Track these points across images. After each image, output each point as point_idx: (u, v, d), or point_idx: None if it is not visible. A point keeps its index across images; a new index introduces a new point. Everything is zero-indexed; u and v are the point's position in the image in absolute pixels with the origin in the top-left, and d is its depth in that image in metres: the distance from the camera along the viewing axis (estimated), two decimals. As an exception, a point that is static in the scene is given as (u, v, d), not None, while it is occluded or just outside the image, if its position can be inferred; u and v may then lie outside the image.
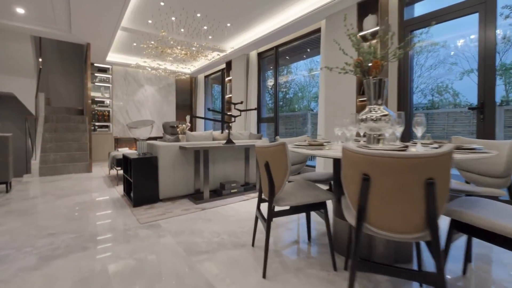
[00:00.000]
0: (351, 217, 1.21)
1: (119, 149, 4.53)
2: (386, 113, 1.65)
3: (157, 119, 7.71)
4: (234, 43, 5.43)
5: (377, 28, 3.31)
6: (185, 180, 3.16)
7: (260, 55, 5.77)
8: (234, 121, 3.59)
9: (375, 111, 1.71)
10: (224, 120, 3.36)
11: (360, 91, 3.55)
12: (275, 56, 5.40)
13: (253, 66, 5.73)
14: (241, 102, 3.54)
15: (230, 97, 6.47)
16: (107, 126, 6.99)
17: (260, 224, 1.96)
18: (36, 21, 4.42)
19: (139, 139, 3.11)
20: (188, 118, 7.85)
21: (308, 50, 5.53)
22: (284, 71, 5.90)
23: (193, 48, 4.51)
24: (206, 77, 8.09)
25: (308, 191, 1.65)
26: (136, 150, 7.20)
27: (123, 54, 6.37)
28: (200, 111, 8.05)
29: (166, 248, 1.87)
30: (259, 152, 1.66)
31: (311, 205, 1.59)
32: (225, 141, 3.54)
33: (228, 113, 3.27)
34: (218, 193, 3.27)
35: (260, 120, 5.82)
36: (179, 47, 4.41)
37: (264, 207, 1.72)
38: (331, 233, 1.61)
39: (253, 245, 1.92)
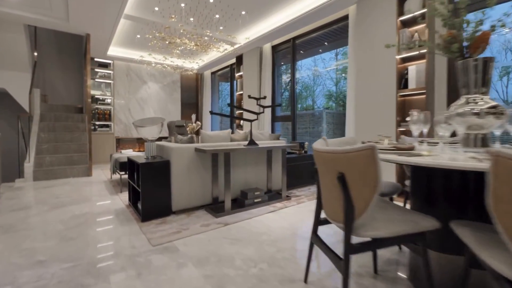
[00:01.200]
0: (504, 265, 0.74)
1: (123, 151, 4.06)
2: (495, 104, 1.18)
3: (163, 117, 7.23)
4: (248, 35, 4.96)
5: (424, 10, 2.84)
6: (201, 188, 2.69)
7: (274, 48, 5.30)
8: (257, 118, 3.11)
9: (477, 103, 1.24)
10: (244, 118, 2.89)
11: (401, 84, 3.08)
12: (292, 49, 4.93)
13: (267, 60, 5.26)
14: (264, 97, 3.06)
15: (241, 94, 6.00)
16: (108, 126, 6.52)
17: (315, 253, 1.48)
18: (29, 7, 3.95)
19: (147, 140, 2.64)
20: (194, 117, 7.38)
21: (326, 43, 5.08)
22: (300, 65, 5.44)
23: (206, 38, 4.03)
24: (213, 73, 7.63)
25: (397, 214, 1.18)
26: (141, 152, 6.73)
27: (125, 48, 5.90)
28: (207, 109, 7.58)
29: (191, 287, 1.40)
30: (327, 158, 1.19)
31: (406, 237, 1.11)
32: (247, 143, 3.07)
33: (250, 110, 2.80)
34: (239, 203, 2.80)
35: (274, 118, 5.35)
36: (188, 36, 3.93)
37: (325, 231, 1.24)
38: (431, 273, 1.14)
39: (305, 281, 1.45)
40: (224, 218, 2.46)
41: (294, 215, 2.57)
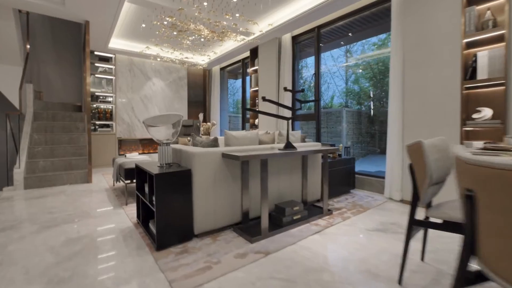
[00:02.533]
0: None
1: (127, 155, 3.52)
2: None
3: (167, 117, 6.69)
4: (269, 21, 4.40)
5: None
6: (229, 203, 2.14)
7: (295, 39, 4.75)
8: (293, 116, 2.55)
9: None
10: (282, 116, 2.35)
11: (466, 74, 2.53)
12: (316, 39, 4.38)
13: (287, 52, 4.71)
14: (303, 90, 2.51)
15: (256, 91, 5.46)
16: (109, 126, 5.97)
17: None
18: (19, -11, 3.41)
19: (161, 143, 2.10)
20: (201, 116, 6.84)
21: (350, 34, 4.53)
22: (324, 58, 4.89)
23: (225, 23, 3.48)
24: (222, 69, 7.08)
25: None
26: (145, 154, 6.20)
27: (128, 40, 5.35)
28: (216, 107, 7.03)
29: None
30: (480, 174, 0.64)
31: None
32: (278, 145, 2.52)
33: (287, 106, 2.26)
34: (274, 220, 2.25)
35: (295, 117, 4.81)
36: (204, 21, 3.38)
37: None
38: None
39: None
40: (262, 244, 1.91)
41: (348, 237, 2.02)
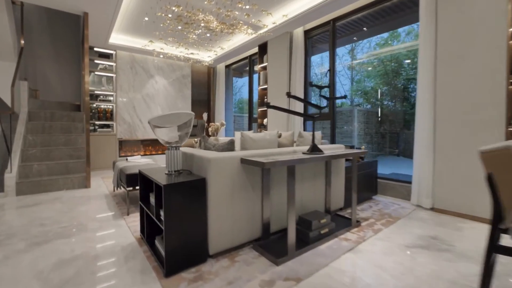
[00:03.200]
0: None
1: (129, 158, 3.22)
2: None
3: (170, 117, 6.39)
4: (280, 14, 4.11)
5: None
6: (249, 217, 1.84)
7: (307, 33, 4.45)
8: (319, 115, 2.25)
9: None
10: (307, 115, 2.06)
11: (514, 67, 2.23)
12: (331, 33, 4.08)
13: (299, 47, 4.41)
14: (328, 86, 2.20)
15: (265, 89, 5.16)
16: (109, 126, 5.68)
17: None
18: (10, -24, 3.12)
19: (170, 146, 1.80)
20: (205, 115, 6.55)
21: (365, 28, 4.24)
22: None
23: (237, 13, 3.18)
24: (227, 67, 6.78)
25: None
26: (147, 156, 5.92)
27: (130, 35, 5.06)
28: (220, 107, 6.74)
29: None
30: None
31: None
32: (298, 148, 2.23)
33: (314, 104, 1.97)
34: (300, 235, 1.95)
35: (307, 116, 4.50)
36: (214, 10, 3.08)
37: None
38: None
39: None
40: (290, 266, 1.61)
41: (387, 256, 1.72)
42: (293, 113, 1.99)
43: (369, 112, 6.14)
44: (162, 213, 1.55)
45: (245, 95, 10.08)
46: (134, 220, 2.42)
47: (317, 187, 2.36)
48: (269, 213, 1.93)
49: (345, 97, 2.26)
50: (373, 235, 2.09)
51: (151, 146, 6.20)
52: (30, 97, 4.43)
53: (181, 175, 1.76)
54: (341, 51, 6.16)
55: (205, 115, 7.05)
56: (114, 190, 3.56)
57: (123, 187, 2.73)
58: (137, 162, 3.12)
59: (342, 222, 2.26)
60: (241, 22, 3.41)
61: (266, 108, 5.06)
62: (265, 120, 5.15)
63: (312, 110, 4.70)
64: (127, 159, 3.20)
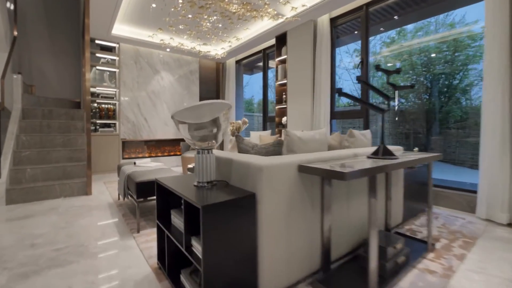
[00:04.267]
0: None
1: (138, 162, 2.75)
2: None
3: (177, 116, 5.92)
4: (298, 3, 3.64)
5: None
6: (308, 243, 1.37)
7: (333, 21, 3.99)
8: (389, 108, 1.76)
9: None
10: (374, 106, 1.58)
11: None
12: (364, 19, 3.61)
13: (324, 37, 3.94)
14: (399, 71, 1.73)
15: (284, 84, 4.69)
16: (111, 125, 5.21)
17: None
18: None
19: (200, 150, 1.33)
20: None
21: (396, 17, 3.79)
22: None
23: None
24: (237, 62, 6.32)
25: None
26: (151, 158, 5.43)
27: (135, 26, 4.60)
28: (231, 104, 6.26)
29: None
30: None
31: None
32: (371, 152, 1.75)
33: (385, 94, 1.49)
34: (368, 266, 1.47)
35: (333, 114, 4.04)
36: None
37: None
38: None
39: None
40: (377, 320, 1.14)
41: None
42: (365, 105, 1.52)
43: (394, 110, 5.66)
44: (196, 243, 1.08)
45: (249, 94, 9.60)
46: (147, 240, 1.95)
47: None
48: (331, 237, 1.46)
49: (412, 86, 1.78)
50: (460, 263, 1.61)
51: (156, 147, 5.73)
52: (24, 92, 3.96)
53: (216, 187, 1.29)
54: (352, 47, 5.70)
55: (214, 114, 6.59)
56: (118, 198, 3.08)
57: (132, 197, 2.26)
58: (147, 166, 2.65)
59: (412, 245, 1.78)
60: (267, 3, 2.93)
61: (285, 106, 4.60)
62: (283, 119, 4.68)
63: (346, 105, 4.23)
64: (135, 163, 2.72)
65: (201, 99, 6.37)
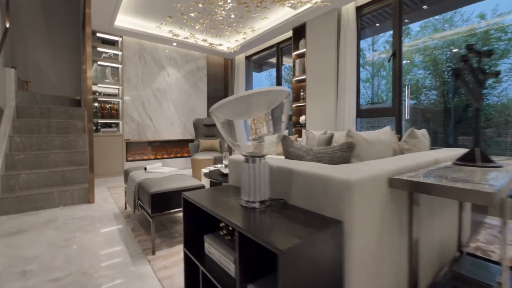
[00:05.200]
0: None
1: (149, 167, 2.37)
2: None
3: (184, 115, 5.57)
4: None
5: None
6: (394, 277, 1.01)
7: (359, 10, 3.63)
8: (481, 102, 1.38)
9: None
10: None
11: None
12: (397, 7, 3.25)
13: (349, 28, 3.58)
14: (490, 53, 1.36)
15: (303, 80, 4.32)
16: (113, 125, 4.84)
17: None
18: None
19: (251, 156, 0.96)
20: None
21: (424, 7, 3.45)
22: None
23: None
24: (247, 58, 5.95)
25: None
26: (157, 160, 5.06)
27: (140, 17, 4.23)
28: (241, 104, 5.89)
29: None
30: None
31: None
32: (443, 157, 1.39)
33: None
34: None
35: (359, 113, 3.68)
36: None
37: None
38: None
39: None
40: None
41: None
42: (471, 94, 1.15)
43: (420, 108, 5.30)
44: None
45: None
46: (165, 266, 1.58)
47: (448, 216, 1.52)
48: (418, 263, 1.09)
49: (497, 74, 1.42)
50: None
51: (163, 148, 5.36)
52: (18, 88, 3.59)
53: (272, 209, 0.93)
54: (368, 41, 5.34)
55: (222, 113, 6.22)
56: (126, 208, 2.71)
57: (145, 211, 1.89)
58: (160, 172, 2.28)
59: (487, 269, 1.42)
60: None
61: (303, 104, 4.23)
62: (301, 118, 4.32)
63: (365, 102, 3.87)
64: (145, 169, 2.35)
65: (208, 97, 6.00)
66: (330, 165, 1.00)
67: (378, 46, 5.01)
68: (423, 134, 1.78)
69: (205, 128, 5.24)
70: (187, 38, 4.57)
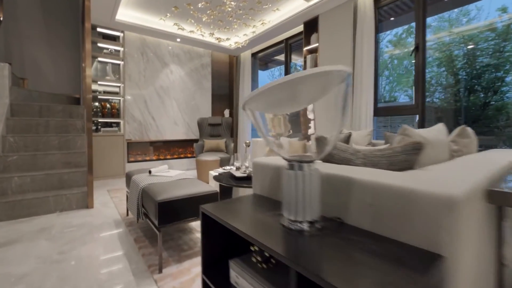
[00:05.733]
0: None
1: (153, 170, 2.13)
2: None
3: (188, 114, 5.34)
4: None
5: None
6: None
7: (377, 1, 3.39)
8: None
9: None
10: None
11: None
12: (420, -4, 3.02)
13: (367, 20, 3.35)
14: None
15: (314, 77, 4.08)
16: (113, 125, 4.61)
17: None
18: None
19: (295, 160, 0.72)
20: (227, 112, 5.50)
21: None
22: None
23: None
24: (253, 55, 5.72)
25: None
26: (156, 161, 4.82)
27: (142, 10, 4.01)
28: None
29: None
30: None
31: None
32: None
33: None
34: None
35: (376, 111, 3.44)
36: None
37: None
38: None
39: None
40: None
41: None
42: None
43: (433, 106, 5.07)
44: None
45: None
46: (175, 285, 1.35)
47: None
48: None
49: None
50: None
51: (165, 149, 5.13)
52: (13, 85, 3.36)
53: (327, 233, 0.69)
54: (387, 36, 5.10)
55: (226, 112, 5.99)
56: (127, 214, 2.48)
57: (150, 221, 1.66)
58: (166, 176, 2.04)
59: None
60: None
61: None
62: (313, 117, 4.07)
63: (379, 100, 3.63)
64: (150, 172, 2.11)
65: (213, 96, 5.77)
66: (406, 173, 0.76)
67: (382, 45, 4.71)
68: (473, 133, 1.54)
69: (210, 128, 5.01)
70: (192, 31, 4.33)
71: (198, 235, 2.02)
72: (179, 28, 4.13)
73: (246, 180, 2.17)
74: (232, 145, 4.71)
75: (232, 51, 5.70)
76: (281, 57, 6.08)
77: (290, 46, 4.86)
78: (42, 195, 2.55)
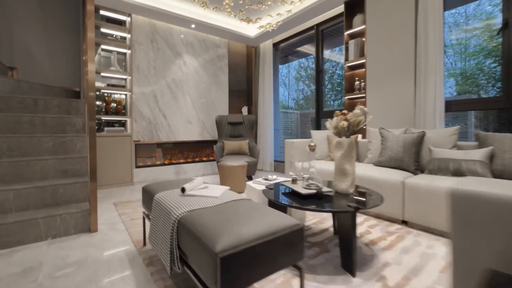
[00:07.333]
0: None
1: (187, 186, 1.47)
2: None
3: (203, 111, 4.69)
4: None
5: None
6: None
7: (445, -29, 2.74)
8: None
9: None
10: None
11: None
12: (511, -41, 2.36)
13: (433, -7, 2.70)
14: None
15: (360, 66, 3.43)
16: (119, 123, 3.96)
17: None
18: None
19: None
20: (245, 109, 4.89)
21: None
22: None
23: None
24: (275, 45, 5.07)
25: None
26: (164, 165, 4.14)
27: (154, -14, 3.36)
28: (268, 99, 5.00)
29: None
30: None
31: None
32: None
33: None
34: None
35: (447, 105, 2.79)
36: None
37: None
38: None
39: None
40: None
41: None
42: None
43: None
44: None
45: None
46: None
47: None
48: None
49: None
50: None
51: (178, 151, 4.47)
52: (0, 75, 2.72)
53: None
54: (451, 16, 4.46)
55: (244, 109, 5.34)
56: (144, 244, 1.82)
57: (198, 281, 1.00)
58: (206, 195, 1.39)
59: None
60: None
61: (361, 95, 3.34)
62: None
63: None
64: (183, 190, 1.45)
65: (230, 91, 5.12)
66: None
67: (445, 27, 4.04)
68: None
69: (230, 127, 4.36)
70: (217, 7, 3.61)
71: None
72: (202, 3, 3.44)
73: (315, 199, 1.53)
74: (259, 148, 4.06)
75: (251, 40, 5.05)
76: (305, 48, 5.44)
77: (321, 32, 4.21)
78: (28, 217, 1.90)
